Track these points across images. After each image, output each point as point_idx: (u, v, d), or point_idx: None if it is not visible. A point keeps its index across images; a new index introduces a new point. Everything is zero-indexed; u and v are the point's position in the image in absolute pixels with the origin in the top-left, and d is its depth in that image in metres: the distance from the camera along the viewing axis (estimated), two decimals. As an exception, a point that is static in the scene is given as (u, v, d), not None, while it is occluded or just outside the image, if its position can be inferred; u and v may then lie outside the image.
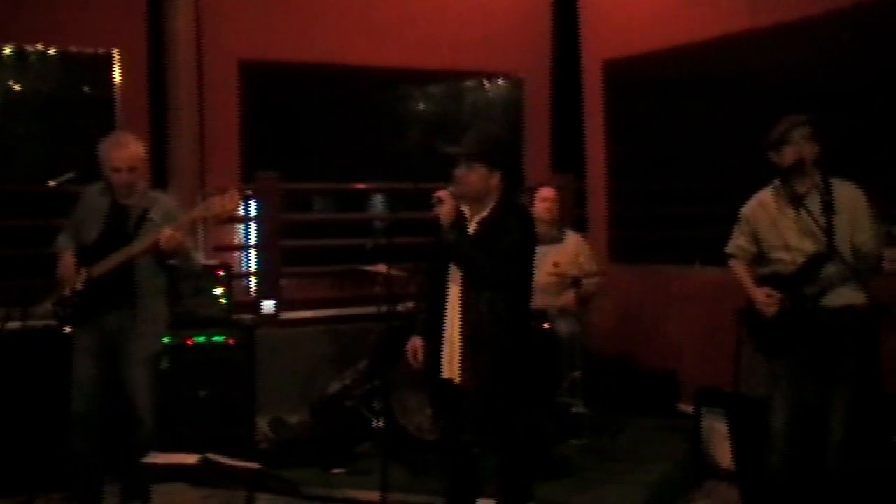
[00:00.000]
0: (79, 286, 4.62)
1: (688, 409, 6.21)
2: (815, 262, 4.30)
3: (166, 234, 4.46)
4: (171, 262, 4.71)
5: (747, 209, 4.59)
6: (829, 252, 4.26)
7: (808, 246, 4.33)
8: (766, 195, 4.51)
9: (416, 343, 4.27)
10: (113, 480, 4.95)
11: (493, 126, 5.32)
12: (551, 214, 6.30)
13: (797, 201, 4.33)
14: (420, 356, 4.25)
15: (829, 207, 4.28)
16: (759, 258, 4.57)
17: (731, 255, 4.68)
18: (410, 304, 5.96)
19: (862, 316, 4.31)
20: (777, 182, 4.45)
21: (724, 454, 5.44)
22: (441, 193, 4.02)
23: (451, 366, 4.07)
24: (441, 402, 4.23)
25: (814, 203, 4.31)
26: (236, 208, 4.64)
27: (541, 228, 6.10)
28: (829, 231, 4.25)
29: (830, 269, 4.28)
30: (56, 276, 4.70)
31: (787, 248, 4.38)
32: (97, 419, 4.72)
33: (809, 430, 4.45)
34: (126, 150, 4.61)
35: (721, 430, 5.47)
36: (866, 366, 4.42)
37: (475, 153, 4.02)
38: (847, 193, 4.33)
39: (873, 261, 4.17)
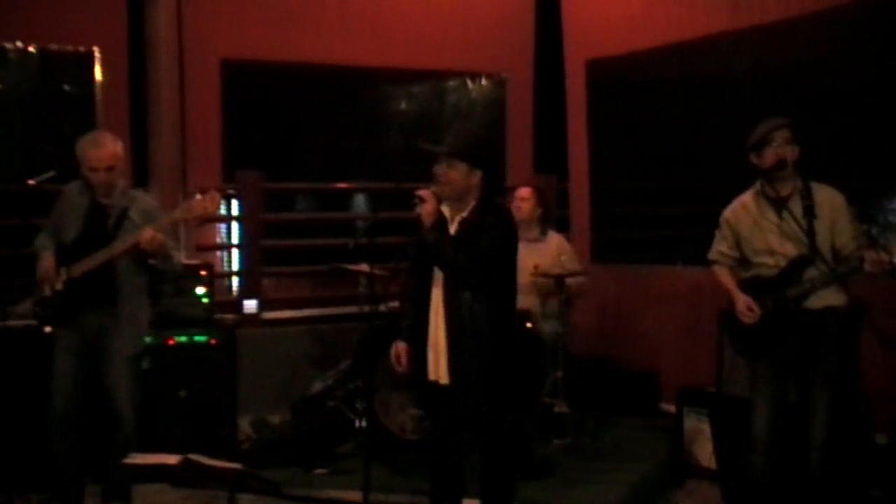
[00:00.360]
0: (59, 286, 4.59)
1: (670, 408, 6.23)
2: (797, 265, 4.32)
3: (147, 235, 4.44)
4: (152, 262, 4.69)
5: (728, 213, 4.60)
6: (811, 255, 4.28)
7: (791, 249, 4.34)
8: (747, 198, 4.52)
9: (399, 347, 4.26)
10: (94, 481, 4.93)
11: (474, 125, 5.32)
12: (524, 214, 6.26)
13: (780, 204, 4.35)
14: (404, 361, 4.23)
15: (810, 211, 4.30)
16: (741, 262, 4.58)
17: (713, 262, 4.69)
18: (393, 304, 5.94)
19: (843, 317, 4.34)
20: (758, 185, 4.46)
21: (705, 453, 5.46)
22: (423, 192, 4.01)
23: (437, 368, 4.07)
24: (430, 403, 4.22)
25: (795, 206, 4.33)
26: (217, 209, 4.63)
27: (519, 228, 6.11)
28: (810, 234, 4.27)
29: (812, 272, 4.30)
30: (35, 275, 4.68)
31: (770, 251, 4.39)
32: (77, 419, 4.69)
33: (791, 430, 4.47)
34: (104, 149, 4.59)
35: (703, 430, 5.50)
36: (848, 366, 4.45)
37: (456, 151, 4.02)
38: (827, 197, 4.35)
39: (854, 263, 4.19)
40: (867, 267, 4.11)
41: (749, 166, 4.44)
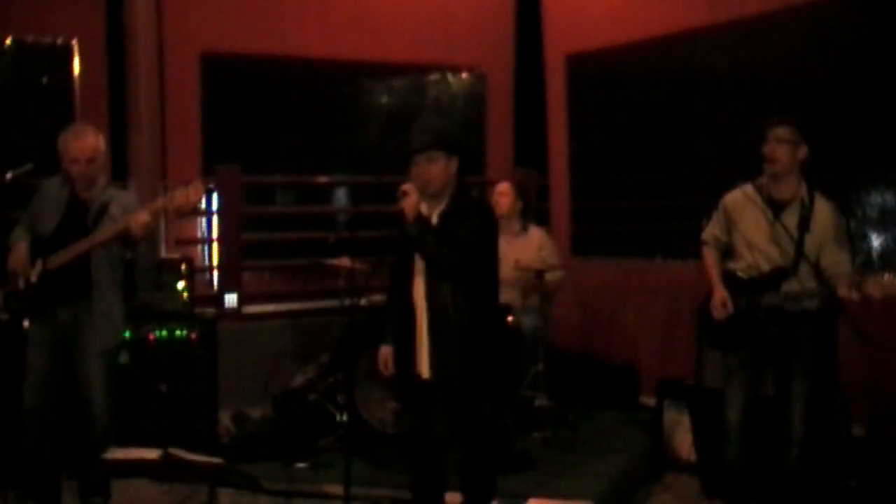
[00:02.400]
0: (33, 278, 4.54)
1: (649, 401, 6.27)
2: (776, 276, 4.32)
3: (141, 219, 4.38)
4: (129, 255, 4.65)
5: (728, 198, 4.58)
6: (792, 267, 4.29)
7: (775, 253, 4.34)
8: (749, 189, 4.48)
9: (384, 352, 4.27)
10: (71, 476, 4.90)
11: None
12: (504, 209, 6.26)
13: (777, 207, 4.35)
14: (390, 365, 4.24)
15: (805, 223, 4.29)
16: (728, 249, 4.60)
17: (704, 242, 4.70)
18: (375, 298, 5.94)
19: (817, 316, 4.35)
20: (763, 178, 4.44)
21: (684, 446, 5.49)
22: (407, 186, 4.01)
23: (420, 359, 4.07)
24: (409, 396, 4.23)
25: (792, 214, 4.32)
26: (200, 200, 4.58)
27: (499, 223, 6.12)
28: (799, 246, 4.28)
29: (792, 286, 4.30)
30: (7, 268, 4.63)
31: (756, 247, 4.40)
32: (51, 414, 4.64)
33: (769, 423, 4.50)
34: (85, 140, 4.55)
35: (682, 423, 5.53)
36: (824, 362, 4.47)
37: (433, 143, 4.03)
38: (825, 214, 4.32)
39: (829, 289, 4.20)
40: (839, 293, 4.13)
41: (729, 160, 4.46)
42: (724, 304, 4.43)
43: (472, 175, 4.40)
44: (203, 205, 7.31)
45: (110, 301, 4.66)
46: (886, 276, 4.05)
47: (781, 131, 4.31)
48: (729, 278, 4.51)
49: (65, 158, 4.56)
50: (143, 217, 4.40)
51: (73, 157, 4.53)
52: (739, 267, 4.49)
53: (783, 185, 4.35)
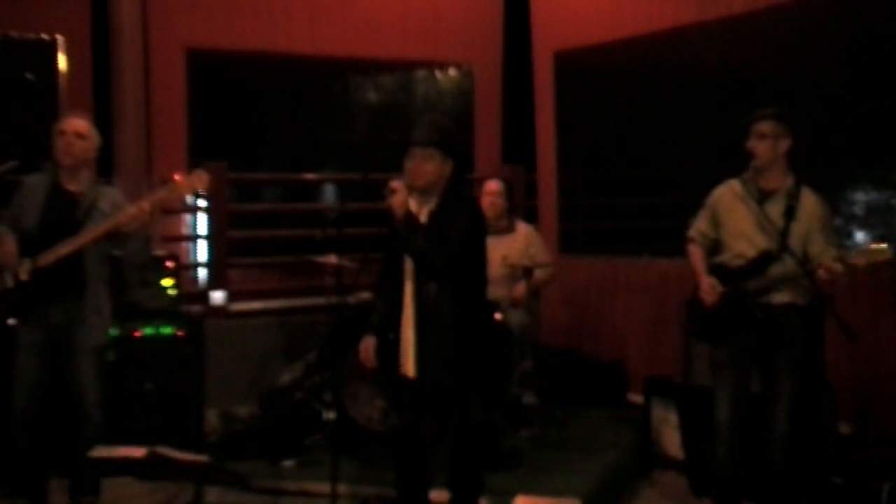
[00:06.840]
0: (24, 276, 4.38)
1: (637, 398, 6.27)
2: (763, 260, 4.35)
3: (130, 212, 4.32)
4: (117, 252, 4.59)
5: (715, 192, 4.61)
6: (778, 252, 4.30)
7: (762, 241, 4.36)
8: (735, 182, 4.51)
9: (368, 343, 4.25)
10: (60, 475, 4.86)
11: (440, 116, 5.35)
12: (494, 209, 6.22)
13: (763, 196, 4.37)
14: (372, 356, 4.23)
15: (790, 212, 4.31)
16: (716, 244, 4.60)
17: (690, 239, 4.71)
18: (362, 295, 5.93)
19: (804, 311, 4.37)
20: (750, 171, 4.47)
21: (672, 443, 5.50)
22: (394, 183, 4.01)
23: (406, 361, 4.06)
24: (396, 395, 4.22)
25: (778, 203, 4.35)
26: (204, 188, 4.55)
27: (488, 220, 6.11)
28: (784, 233, 4.29)
29: (777, 269, 4.32)
30: None
31: (742, 236, 4.43)
32: (39, 414, 4.56)
33: (755, 420, 4.51)
34: (79, 119, 4.49)
35: (670, 420, 5.53)
36: (810, 358, 4.49)
37: (432, 141, 4.01)
38: (811, 204, 4.35)
39: (811, 267, 4.22)
40: (821, 273, 4.14)
41: (716, 157, 4.47)
42: (712, 288, 4.44)
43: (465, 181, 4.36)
44: (190, 202, 7.28)
45: (101, 297, 4.59)
46: (871, 245, 4.06)
47: (762, 127, 4.34)
48: (717, 269, 4.52)
49: (54, 135, 4.46)
50: (134, 210, 4.35)
51: (61, 128, 4.44)
52: (727, 257, 4.50)
53: (768, 176, 4.39)
